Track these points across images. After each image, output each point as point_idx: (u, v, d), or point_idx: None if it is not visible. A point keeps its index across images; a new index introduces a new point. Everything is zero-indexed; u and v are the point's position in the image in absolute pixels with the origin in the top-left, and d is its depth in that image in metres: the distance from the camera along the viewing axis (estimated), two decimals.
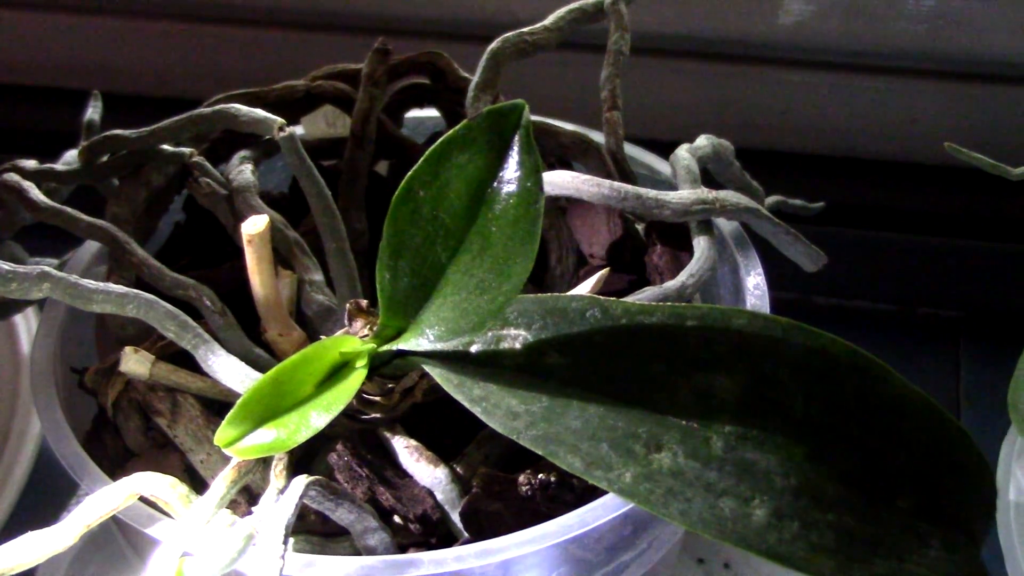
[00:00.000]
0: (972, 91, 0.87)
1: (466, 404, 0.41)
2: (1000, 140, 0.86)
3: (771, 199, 0.67)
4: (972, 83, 0.86)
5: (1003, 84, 0.86)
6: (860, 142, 0.91)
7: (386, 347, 0.44)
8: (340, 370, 0.44)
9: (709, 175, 0.60)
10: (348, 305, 0.46)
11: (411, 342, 0.43)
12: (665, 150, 0.64)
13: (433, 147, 0.41)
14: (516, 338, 0.43)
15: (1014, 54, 0.84)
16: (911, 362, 0.82)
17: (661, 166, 0.63)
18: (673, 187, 0.58)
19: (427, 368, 0.43)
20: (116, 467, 0.52)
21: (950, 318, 0.86)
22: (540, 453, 0.40)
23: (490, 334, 0.43)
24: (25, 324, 0.76)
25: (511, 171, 0.41)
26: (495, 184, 0.41)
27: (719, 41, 0.89)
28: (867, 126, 0.90)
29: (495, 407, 0.41)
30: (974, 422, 0.77)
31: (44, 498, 0.70)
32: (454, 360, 0.43)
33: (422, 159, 0.41)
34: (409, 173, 0.41)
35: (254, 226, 0.46)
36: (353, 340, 0.44)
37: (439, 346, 0.43)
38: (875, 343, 0.42)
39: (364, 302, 0.46)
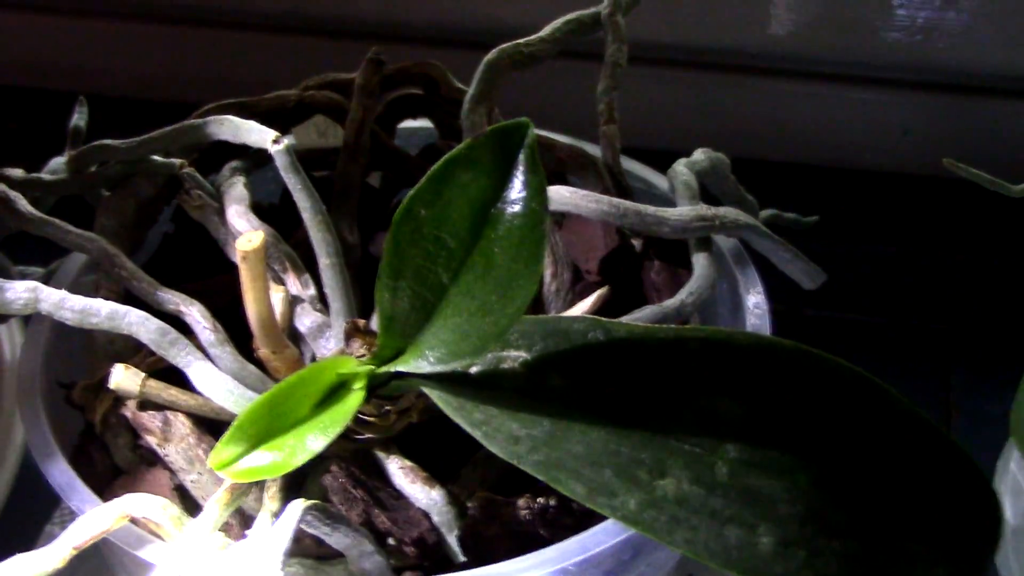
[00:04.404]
0: (964, 104, 0.86)
1: (467, 428, 0.40)
2: (992, 153, 0.86)
3: (765, 213, 0.67)
4: (964, 96, 0.86)
5: (995, 97, 0.86)
6: (852, 153, 0.90)
7: (384, 368, 0.43)
8: (337, 391, 0.43)
9: (704, 188, 0.60)
10: (346, 325, 0.45)
11: (410, 364, 0.42)
12: (655, 158, 0.63)
13: (436, 166, 0.40)
14: (517, 360, 0.42)
15: (1006, 67, 0.84)
16: (902, 375, 0.82)
17: (657, 179, 0.62)
18: (670, 201, 0.58)
19: (426, 390, 0.42)
20: (104, 485, 0.51)
21: (941, 331, 0.86)
22: (542, 479, 0.39)
23: (490, 356, 0.42)
24: (7, 333, 0.74)
25: (516, 191, 0.40)
26: (499, 204, 0.40)
27: (711, 51, 0.88)
28: (859, 137, 0.90)
29: (496, 431, 0.40)
30: (965, 435, 0.77)
31: (25, 511, 0.69)
32: (454, 382, 0.42)
33: (424, 178, 0.40)
34: (411, 192, 0.41)
35: (249, 242, 0.45)
36: (350, 361, 0.44)
37: (439, 368, 0.42)
38: (866, 355, 0.42)
39: (362, 322, 0.45)
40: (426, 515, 0.46)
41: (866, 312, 0.87)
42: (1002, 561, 0.60)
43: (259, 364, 0.50)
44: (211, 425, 0.50)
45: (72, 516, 0.53)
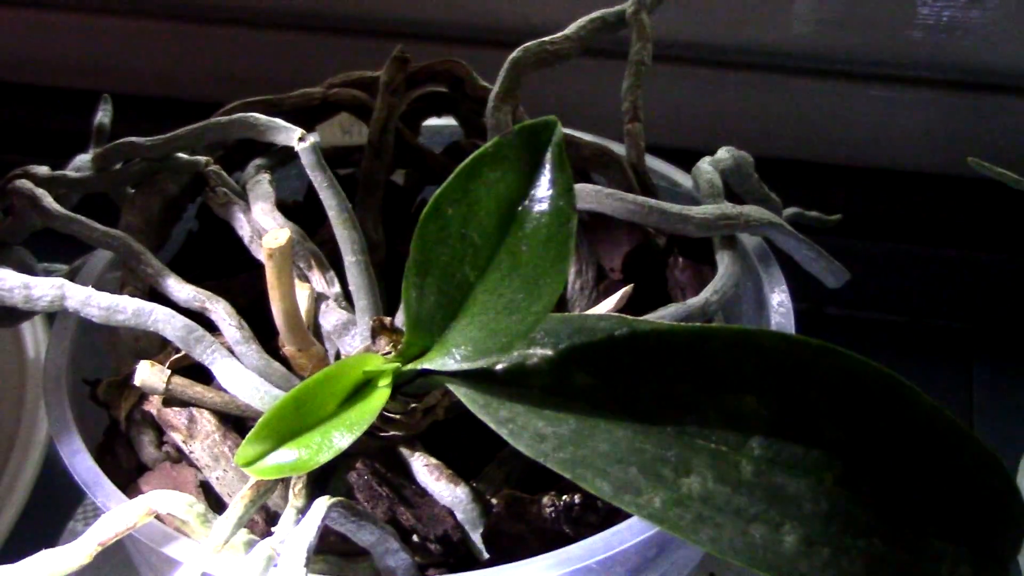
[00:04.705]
0: (988, 102, 0.86)
1: (492, 425, 0.40)
2: (1016, 151, 0.86)
3: (788, 211, 0.67)
4: (988, 94, 0.86)
5: (1020, 95, 0.85)
6: (875, 152, 0.90)
7: (410, 366, 0.43)
8: (363, 389, 0.43)
9: (727, 186, 0.60)
10: (372, 322, 0.45)
11: (436, 362, 0.42)
12: (679, 157, 0.63)
13: (463, 164, 0.40)
14: (543, 358, 0.42)
15: None
16: (923, 374, 0.81)
17: (681, 178, 0.62)
18: (694, 200, 0.58)
19: (452, 388, 0.42)
20: (129, 481, 0.51)
21: (963, 329, 0.86)
22: (568, 477, 0.39)
23: (516, 353, 0.42)
24: (31, 330, 0.75)
25: (543, 189, 0.40)
26: (526, 202, 0.40)
27: (734, 49, 0.88)
28: (882, 136, 0.89)
29: (522, 429, 0.40)
30: (987, 433, 0.76)
31: (49, 506, 0.69)
32: (480, 380, 0.42)
33: (452, 176, 0.40)
34: (438, 190, 0.41)
35: (275, 240, 0.45)
36: (376, 358, 0.44)
37: (465, 366, 0.42)
38: (887, 355, 0.42)
39: (388, 320, 0.45)
40: (451, 512, 0.46)
41: (888, 310, 0.87)
42: None
43: (284, 362, 0.50)
44: (236, 422, 0.50)
45: (95, 512, 0.53)
